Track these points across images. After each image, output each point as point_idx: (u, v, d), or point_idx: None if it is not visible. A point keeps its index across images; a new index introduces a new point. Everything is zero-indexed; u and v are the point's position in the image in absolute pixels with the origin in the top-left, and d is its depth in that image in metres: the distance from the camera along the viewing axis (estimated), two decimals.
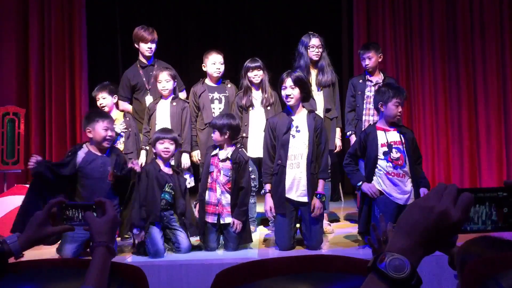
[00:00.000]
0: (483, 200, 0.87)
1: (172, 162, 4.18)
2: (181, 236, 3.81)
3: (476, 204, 0.86)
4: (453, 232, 0.84)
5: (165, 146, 3.91)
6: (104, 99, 4.49)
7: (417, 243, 0.83)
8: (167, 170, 3.94)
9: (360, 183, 3.73)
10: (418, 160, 3.82)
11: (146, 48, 4.66)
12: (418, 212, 0.84)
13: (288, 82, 3.83)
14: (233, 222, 3.84)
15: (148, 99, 4.66)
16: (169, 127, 4.37)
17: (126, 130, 4.47)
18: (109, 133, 3.80)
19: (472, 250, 1.56)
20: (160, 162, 3.94)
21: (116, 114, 4.52)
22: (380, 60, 4.63)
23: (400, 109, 3.74)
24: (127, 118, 4.52)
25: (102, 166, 3.78)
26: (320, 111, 4.43)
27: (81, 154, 3.76)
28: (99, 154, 3.81)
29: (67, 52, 5.68)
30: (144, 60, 4.73)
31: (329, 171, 4.07)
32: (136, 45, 4.72)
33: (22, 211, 3.56)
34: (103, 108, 4.46)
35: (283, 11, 7.37)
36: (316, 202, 3.80)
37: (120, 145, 4.42)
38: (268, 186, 3.89)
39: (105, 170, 3.79)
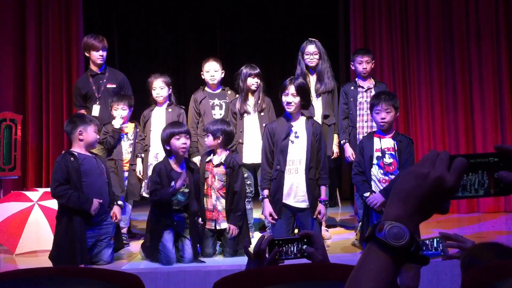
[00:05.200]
0: (475, 167, 0.87)
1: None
2: (187, 245, 3.76)
3: (468, 172, 0.87)
4: (448, 197, 0.84)
5: (182, 142, 3.80)
6: (124, 111, 4.40)
7: (413, 209, 0.83)
8: (179, 169, 3.86)
9: (368, 194, 3.74)
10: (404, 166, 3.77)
11: (98, 56, 4.57)
12: (413, 178, 0.84)
13: (291, 89, 3.82)
14: (229, 227, 3.84)
15: (96, 108, 4.56)
16: None
17: (132, 141, 4.45)
18: (97, 136, 3.86)
19: (483, 256, 1.51)
20: (172, 161, 3.85)
21: (127, 126, 4.50)
22: (372, 66, 4.65)
23: (382, 116, 3.75)
24: (138, 130, 4.51)
25: (97, 164, 3.79)
26: (318, 117, 4.43)
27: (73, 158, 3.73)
28: (89, 154, 3.80)
29: (64, 58, 5.67)
30: (94, 69, 4.63)
31: None
32: (87, 54, 4.63)
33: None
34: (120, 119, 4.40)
35: (280, 18, 7.39)
36: (321, 208, 3.82)
37: (128, 154, 4.41)
38: (266, 192, 3.89)
39: (101, 168, 3.80)
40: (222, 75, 4.68)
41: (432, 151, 0.87)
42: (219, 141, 3.90)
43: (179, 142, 3.78)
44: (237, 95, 4.57)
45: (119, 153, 4.36)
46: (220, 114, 4.59)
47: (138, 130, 4.51)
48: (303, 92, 3.85)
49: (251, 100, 4.53)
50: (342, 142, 4.53)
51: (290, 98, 3.82)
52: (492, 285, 1.03)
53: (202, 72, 4.68)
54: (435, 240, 1.65)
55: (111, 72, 4.71)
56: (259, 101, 4.49)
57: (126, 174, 4.39)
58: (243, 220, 3.94)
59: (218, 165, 3.93)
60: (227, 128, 3.96)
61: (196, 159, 4.56)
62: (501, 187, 0.87)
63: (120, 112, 4.34)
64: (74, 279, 1.27)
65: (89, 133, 3.75)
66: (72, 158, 3.66)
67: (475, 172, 0.87)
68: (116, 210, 3.83)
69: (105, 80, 4.60)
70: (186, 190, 3.82)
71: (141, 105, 4.92)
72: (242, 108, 4.46)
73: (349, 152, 4.43)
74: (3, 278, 1.27)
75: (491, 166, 0.87)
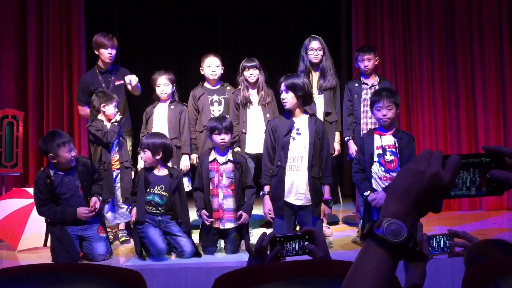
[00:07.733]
0: (467, 166, 0.88)
1: (170, 164, 4.18)
2: (183, 240, 3.79)
3: (460, 170, 0.88)
4: (444, 194, 0.86)
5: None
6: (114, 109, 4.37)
7: (411, 206, 0.85)
8: (161, 172, 3.95)
9: (367, 192, 3.75)
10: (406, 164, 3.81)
11: (107, 54, 4.59)
12: (410, 176, 0.86)
13: (282, 86, 3.85)
14: (241, 213, 3.84)
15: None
16: (167, 130, 4.38)
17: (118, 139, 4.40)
18: (73, 153, 3.80)
19: (487, 253, 1.49)
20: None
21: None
22: (376, 63, 4.64)
23: (384, 113, 3.76)
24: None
25: (71, 182, 3.82)
26: (320, 115, 4.43)
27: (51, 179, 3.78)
28: (64, 173, 3.82)
29: (65, 55, 5.67)
30: (103, 66, 4.66)
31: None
32: (96, 52, 4.66)
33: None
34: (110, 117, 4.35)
35: (281, 15, 7.37)
36: (325, 208, 3.83)
37: (115, 154, 4.37)
38: (267, 188, 3.89)
39: (74, 186, 3.83)
40: (222, 71, 4.68)
41: (425, 150, 0.88)
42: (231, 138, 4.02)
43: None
44: (239, 87, 4.57)
45: (106, 154, 4.31)
46: (219, 111, 4.59)
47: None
48: (293, 87, 3.82)
49: (254, 92, 4.54)
50: (346, 138, 4.55)
51: (283, 95, 3.85)
52: (494, 281, 1.03)
53: (201, 68, 4.68)
54: (443, 237, 1.65)
55: (120, 70, 4.74)
56: (263, 94, 4.50)
57: (115, 173, 4.35)
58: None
59: (225, 163, 3.94)
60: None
61: (195, 156, 4.56)
62: (493, 187, 0.88)
63: (111, 109, 4.30)
64: (76, 275, 1.27)
65: (61, 156, 3.74)
66: (48, 181, 3.75)
67: (466, 171, 0.88)
68: (92, 200, 3.88)
69: (113, 78, 4.62)
70: (164, 194, 3.88)
71: (142, 102, 4.92)
72: (244, 99, 4.47)
73: (353, 148, 4.43)
74: (5, 274, 1.27)
75: (483, 166, 0.88)
